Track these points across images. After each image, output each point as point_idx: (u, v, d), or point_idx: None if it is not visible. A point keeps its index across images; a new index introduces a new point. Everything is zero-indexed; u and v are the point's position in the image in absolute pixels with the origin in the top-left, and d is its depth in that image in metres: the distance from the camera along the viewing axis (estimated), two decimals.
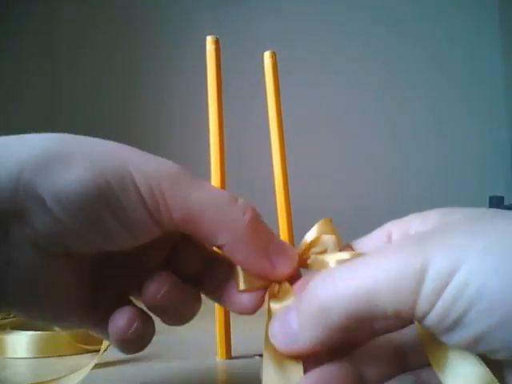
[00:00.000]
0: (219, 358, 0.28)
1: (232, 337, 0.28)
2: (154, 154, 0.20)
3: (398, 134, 1.71)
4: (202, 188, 0.19)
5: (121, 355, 0.29)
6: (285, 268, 0.19)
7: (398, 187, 1.66)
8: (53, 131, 0.19)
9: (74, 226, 0.18)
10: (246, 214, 0.19)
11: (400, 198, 1.64)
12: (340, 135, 1.67)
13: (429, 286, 0.14)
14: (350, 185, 1.56)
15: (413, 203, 1.73)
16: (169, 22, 1.64)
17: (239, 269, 0.20)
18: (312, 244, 0.20)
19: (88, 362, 0.27)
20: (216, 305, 0.28)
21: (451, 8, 1.74)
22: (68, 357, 0.31)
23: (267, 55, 0.29)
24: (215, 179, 0.28)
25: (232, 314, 0.27)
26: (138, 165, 0.18)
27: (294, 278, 0.20)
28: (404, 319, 0.15)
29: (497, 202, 1.18)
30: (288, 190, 0.29)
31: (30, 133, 0.19)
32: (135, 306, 0.21)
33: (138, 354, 0.29)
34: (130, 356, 0.29)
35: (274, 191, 0.29)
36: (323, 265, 0.20)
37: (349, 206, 1.45)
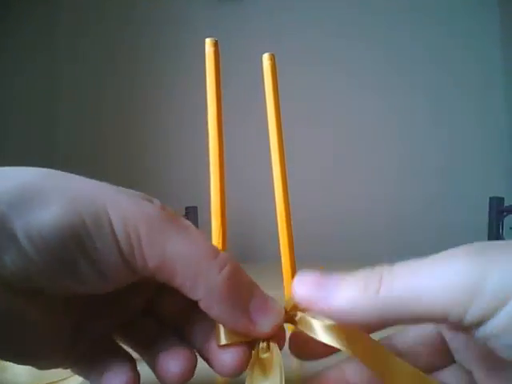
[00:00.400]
0: None
1: None
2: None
3: (397, 136, 1.71)
4: (182, 237, 0.18)
5: None
6: (266, 325, 0.19)
7: (398, 188, 1.66)
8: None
9: (46, 266, 0.17)
10: (224, 269, 0.18)
11: (401, 198, 1.64)
12: (340, 137, 1.67)
13: (489, 291, 0.15)
14: (351, 186, 1.56)
15: (413, 203, 1.74)
16: (166, 23, 1.65)
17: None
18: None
19: None
20: None
21: (451, 8, 1.74)
22: None
23: (266, 57, 0.29)
24: (214, 182, 0.28)
25: None
26: (117, 206, 0.18)
27: (279, 336, 0.19)
28: (452, 323, 0.15)
29: (497, 203, 1.18)
30: (287, 193, 0.29)
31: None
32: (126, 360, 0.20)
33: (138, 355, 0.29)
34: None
35: (273, 194, 0.29)
36: (308, 327, 0.19)
37: (348, 207, 1.45)
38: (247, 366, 0.19)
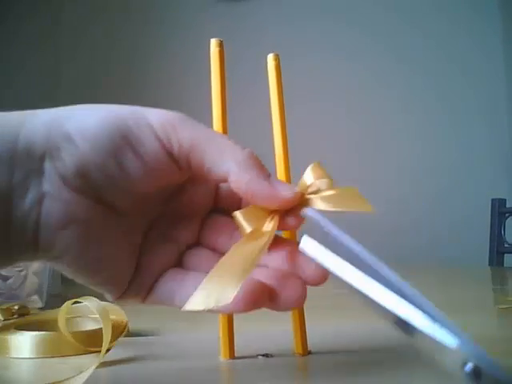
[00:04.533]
0: (222, 358, 0.28)
1: (235, 337, 0.29)
2: None
3: (399, 137, 1.71)
4: (206, 127, 0.21)
5: (124, 355, 0.29)
6: (289, 191, 0.21)
7: (399, 189, 1.65)
8: None
9: (96, 157, 0.20)
10: (245, 148, 0.21)
11: (402, 199, 1.64)
12: (344, 137, 1.67)
13: None
14: (353, 186, 1.55)
15: (414, 204, 1.74)
16: (166, 23, 1.65)
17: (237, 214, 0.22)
18: (307, 186, 0.22)
19: (92, 362, 0.27)
20: None
21: (452, 9, 1.74)
22: (71, 357, 0.31)
23: (271, 57, 0.29)
24: None
25: (235, 314, 0.28)
26: (149, 109, 0.21)
27: (295, 213, 0.21)
28: None
29: (499, 205, 1.18)
30: None
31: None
32: None
33: (140, 354, 0.29)
34: (133, 355, 0.29)
35: None
36: (313, 202, 0.21)
37: None
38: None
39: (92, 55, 1.57)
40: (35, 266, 0.53)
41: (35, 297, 0.52)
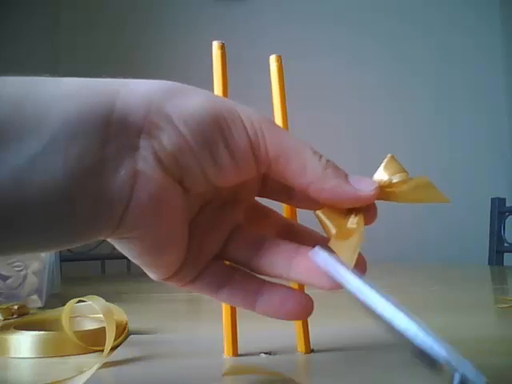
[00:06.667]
0: (226, 356, 0.28)
1: (238, 335, 0.29)
2: None
3: (398, 136, 1.71)
4: (290, 135, 0.22)
5: (127, 355, 0.29)
6: (368, 188, 0.21)
7: None
8: None
9: (194, 143, 0.20)
10: (322, 158, 0.22)
11: None
12: (341, 137, 1.67)
13: None
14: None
15: (415, 204, 1.73)
16: (167, 24, 1.65)
17: (319, 213, 0.22)
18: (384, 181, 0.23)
19: (92, 361, 0.27)
20: (222, 303, 0.28)
21: (452, 9, 1.74)
22: (72, 357, 0.31)
23: (273, 59, 0.29)
24: None
25: (239, 312, 0.28)
26: (243, 108, 0.21)
27: (372, 209, 0.22)
28: None
29: (499, 204, 1.18)
30: None
31: None
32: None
33: (142, 353, 0.29)
34: (135, 355, 0.29)
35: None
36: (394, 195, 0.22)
37: None
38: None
39: (91, 55, 1.57)
40: (35, 265, 0.53)
41: (35, 296, 0.52)
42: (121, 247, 0.21)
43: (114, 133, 0.19)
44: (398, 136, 1.72)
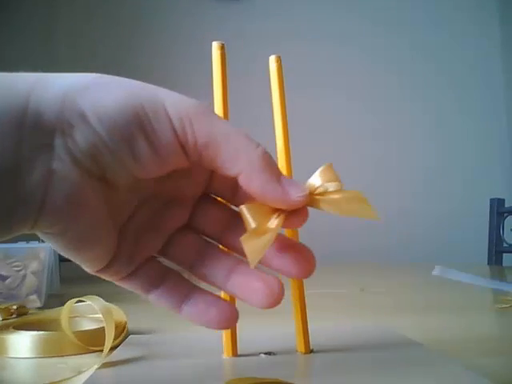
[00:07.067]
0: (225, 356, 0.28)
1: (238, 335, 0.29)
2: None
3: (397, 136, 1.71)
4: (223, 122, 0.21)
5: (126, 355, 0.29)
6: (298, 194, 0.21)
7: (398, 188, 1.66)
8: None
9: (109, 140, 0.19)
10: (259, 147, 0.21)
11: (401, 198, 1.64)
12: (345, 136, 1.67)
13: None
14: (351, 185, 1.56)
15: (413, 203, 1.74)
16: (167, 24, 1.65)
17: (243, 208, 0.22)
18: (316, 187, 0.22)
19: (91, 362, 0.27)
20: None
21: (452, 10, 1.75)
22: (71, 357, 0.31)
23: (272, 59, 0.29)
24: None
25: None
26: (169, 95, 0.20)
27: (302, 212, 0.21)
28: None
29: (498, 204, 1.18)
30: None
31: None
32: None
33: (142, 353, 0.29)
34: (135, 355, 0.29)
35: None
36: (324, 202, 0.22)
37: None
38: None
39: (91, 56, 1.57)
40: (34, 265, 0.53)
41: (34, 296, 0.52)
42: (46, 240, 0.21)
43: (29, 133, 0.18)
44: (398, 136, 1.72)
